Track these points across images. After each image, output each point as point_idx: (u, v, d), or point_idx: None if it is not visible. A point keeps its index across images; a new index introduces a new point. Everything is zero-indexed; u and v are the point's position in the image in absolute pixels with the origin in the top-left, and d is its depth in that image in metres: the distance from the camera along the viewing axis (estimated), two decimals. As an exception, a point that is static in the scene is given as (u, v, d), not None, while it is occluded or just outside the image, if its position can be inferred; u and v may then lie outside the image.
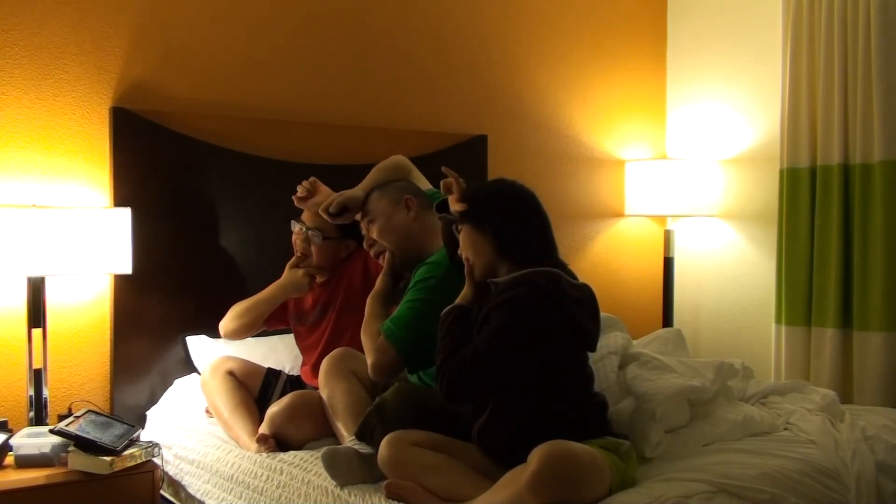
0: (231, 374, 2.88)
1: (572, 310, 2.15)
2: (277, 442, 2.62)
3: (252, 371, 2.94)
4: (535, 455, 1.92)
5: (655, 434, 2.35)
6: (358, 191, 2.78)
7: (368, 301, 2.59)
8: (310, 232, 2.92)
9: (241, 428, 2.74)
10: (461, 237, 2.29)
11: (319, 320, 2.96)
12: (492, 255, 2.23)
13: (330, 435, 2.61)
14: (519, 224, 2.25)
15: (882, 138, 3.54)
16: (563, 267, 2.25)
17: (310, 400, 2.67)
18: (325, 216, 2.77)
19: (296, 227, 2.97)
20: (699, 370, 2.66)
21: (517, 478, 1.93)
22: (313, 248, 2.93)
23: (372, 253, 2.74)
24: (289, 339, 3.13)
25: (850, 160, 3.68)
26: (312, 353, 2.94)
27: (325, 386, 2.58)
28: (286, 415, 2.64)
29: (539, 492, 1.87)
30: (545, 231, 2.30)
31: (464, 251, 2.29)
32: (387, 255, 2.66)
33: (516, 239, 2.23)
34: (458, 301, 2.28)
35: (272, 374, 2.95)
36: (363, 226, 2.74)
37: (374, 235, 2.69)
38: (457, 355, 2.13)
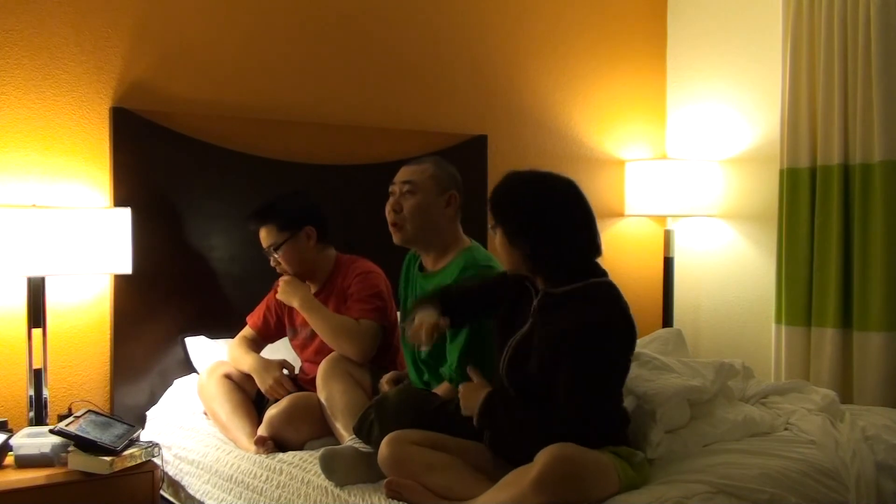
0: (228, 377, 2.87)
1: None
2: (276, 444, 2.62)
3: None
4: (542, 456, 1.92)
5: (655, 434, 2.34)
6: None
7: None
8: (271, 256, 2.87)
9: (239, 430, 2.73)
10: (496, 238, 2.23)
11: (313, 335, 2.87)
12: (522, 267, 2.21)
13: (328, 435, 2.61)
14: (555, 243, 2.16)
15: (882, 138, 3.54)
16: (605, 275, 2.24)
17: (308, 402, 2.66)
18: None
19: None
20: (699, 370, 2.66)
21: (521, 477, 1.92)
22: (283, 264, 2.86)
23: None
24: (286, 341, 3.10)
25: (850, 160, 3.67)
26: (314, 365, 2.81)
27: (324, 387, 2.58)
28: (285, 417, 2.63)
29: (543, 492, 1.87)
30: (584, 238, 2.24)
31: (496, 248, 2.25)
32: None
33: (551, 258, 2.17)
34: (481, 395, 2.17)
35: (270, 376, 2.94)
36: (394, 190, 2.62)
37: (405, 209, 2.56)
38: (548, 417, 2.07)
